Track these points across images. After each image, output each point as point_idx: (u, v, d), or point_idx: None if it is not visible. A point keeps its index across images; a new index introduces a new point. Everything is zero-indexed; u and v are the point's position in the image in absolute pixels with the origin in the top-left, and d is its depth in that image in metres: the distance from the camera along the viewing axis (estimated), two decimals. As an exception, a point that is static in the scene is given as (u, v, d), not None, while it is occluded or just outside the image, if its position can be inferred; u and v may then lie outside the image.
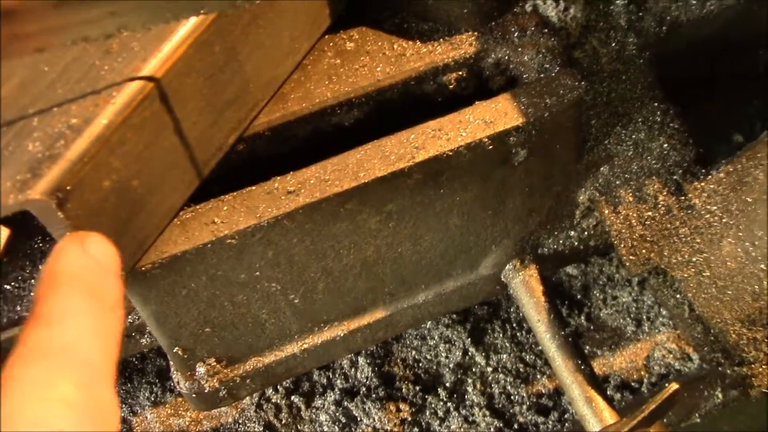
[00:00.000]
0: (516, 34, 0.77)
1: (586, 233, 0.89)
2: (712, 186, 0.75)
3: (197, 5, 0.54)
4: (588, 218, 0.88)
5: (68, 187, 0.55)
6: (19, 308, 0.72)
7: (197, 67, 0.62)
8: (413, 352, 1.10)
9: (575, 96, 0.73)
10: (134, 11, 0.53)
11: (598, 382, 0.82)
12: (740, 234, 0.71)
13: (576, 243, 0.90)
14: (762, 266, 0.70)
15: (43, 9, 0.50)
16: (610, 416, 0.79)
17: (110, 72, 0.58)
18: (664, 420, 0.96)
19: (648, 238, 0.76)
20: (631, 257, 0.76)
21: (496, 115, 0.72)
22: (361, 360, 1.08)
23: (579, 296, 1.14)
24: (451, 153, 0.71)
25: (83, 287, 0.47)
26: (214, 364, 0.82)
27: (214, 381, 0.82)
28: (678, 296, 0.74)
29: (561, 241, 0.89)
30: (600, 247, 0.93)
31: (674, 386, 0.67)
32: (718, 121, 1.07)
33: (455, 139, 0.71)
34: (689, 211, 0.75)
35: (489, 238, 0.84)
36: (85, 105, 0.57)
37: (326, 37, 0.78)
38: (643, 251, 0.76)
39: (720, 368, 0.75)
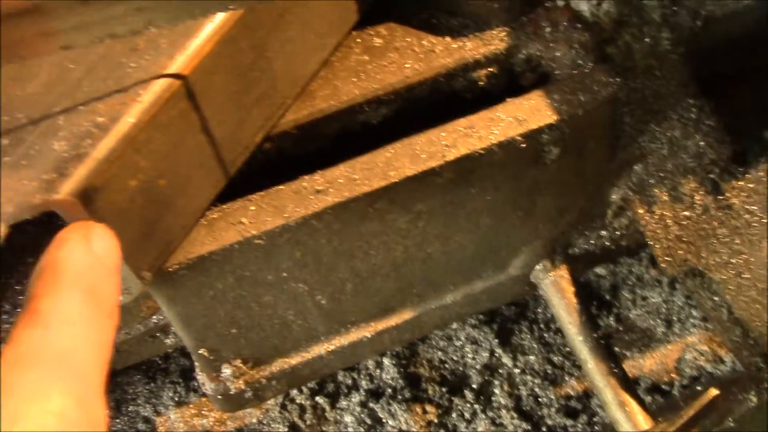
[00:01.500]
0: (548, 30, 0.75)
1: (618, 233, 0.87)
2: (751, 185, 0.72)
3: (225, 1, 0.53)
4: (620, 217, 0.86)
5: (95, 187, 0.54)
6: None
7: (225, 64, 0.61)
8: (439, 353, 1.08)
9: (610, 92, 0.71)
10: (161, 7, 0.51)
11: (631, 386, 0.80)
12: (782, 234, 0.69)
13: (608, 243, 0.88)
14: (804, 268, 0.68)
15: (70, 6, 0.49)
16: (644, 421, 0.77)
17: (137, 69, 0.57)
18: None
19: (684, 239, 0.74)
20: (666, 258, 0.74)
21: (529, 113, 0.70)
22: (386, 360, 1.07)
23: (608, 297, 1.12)
24: (482, 152, 0.69)
25: (85, 289, 0.44)
26: (240, 365, 0.81)
27: (240, 382, 0.81)
28: (716, 299, 0.72)
29: (592, 241, 0.87)
30: (632, 247, 0.91)
31: (714, 392, 0.66)
32: (750, 119, 1.04)
33: (487, 138, 0.69)
34: (727, 211, 0.73)
35: (519, 239, 0.83)
36: (112, 103, 0.56)
37: (354, 33, 0.77)
38: (680, 252, 0.74)
39: (759, 373, 0.73)
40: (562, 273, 0.86)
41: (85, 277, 0.45)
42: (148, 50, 0.58)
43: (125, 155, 0.55)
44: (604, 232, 0.87)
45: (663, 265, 0.75)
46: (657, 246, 0.76)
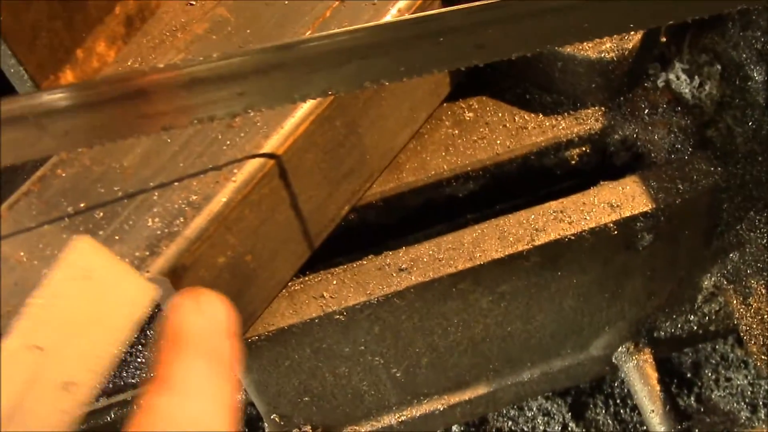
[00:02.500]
0: (646, 111, 0.73)
1: (707, 318, 0.84)
2: None
3: (326, 87, 0.53)
4: (710, 303, 0.82)
5: (184, 265, 0.54)
6: (124, 374, 0.72)
7: (318, 142, 0.61)
8: (510, 423, 1.05)
9: (710, 182, 0.68)
10: (262, 92, 0.51)
11: (716, 485, 0.76)
12: None
13: (695, 327, 0.84)
14: None
15: (173, 90, 0.50)
16: None
17: (232, 147, 0.57)
18: None
19: (783, 338, 0.70)
20: (762, 357, 0.71)
21: (623, 199, 0.68)
22: (455, 428, 1.04)
23: (689, 375, 1.08)
24: (573, 237, 0.67)
25: (205, 354, 0.45)
26: (310, 431, 0.80)
27: (309, 448, 0.80)
28: (815, 405, 0.68)
29: (679, 325, 0.84)
30: (720, 332, 0.87)
31: None
32: None
33: (578, 223, 0.67)
34: (832, 312, 0.69)
35: (603, 320, 0.80)
36: (206, 181, 0.56)
37: (445, 105, 0.76)
38: (777, 352, 0.70)
39: None
40: (646, 357, 0.83)
41: (203, 342, 0.46)
42: (243, 128, 0.58)
43: (216, 234, 0.55)
44: (692, 317, 0.83)
45: (758, 363, 0.71)
46: (752, 342, 0.72)
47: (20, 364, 0.37)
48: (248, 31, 0.63)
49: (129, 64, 0.67)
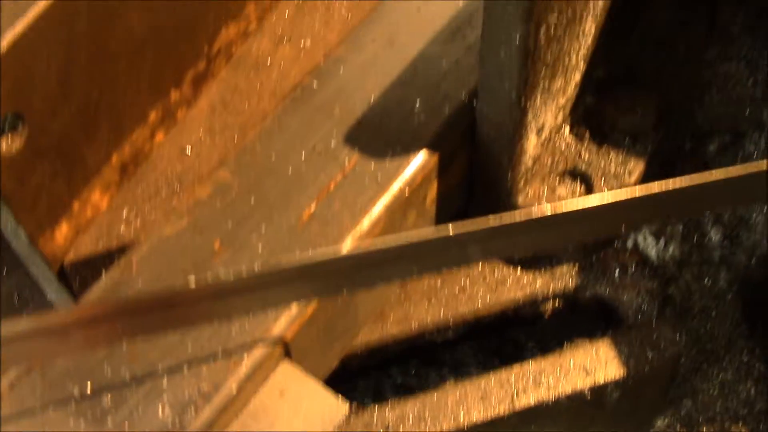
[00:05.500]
0: (617, 272, 0.78)
1: (654, 450, 0.89)
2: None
3: (343, 290, 0.54)
4: (659, 437, 0.87)
5: (194, 459, 0.54)
6: None
7: (321, 318, 0.62)
8: None
9: (676, 351, 0.73)
10: (286, 298, 0.53)
11: None
12: None
13: (643, 458, 0.89)
14: None
15: (200, 302, 0.50)
16: None
17: (240, 332, 0.58)
18: None
19: (733, 493, 0.75)
20: None
21: (597, 364, 0.72)
22: None
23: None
24: (551, 402, 0.70)
25: None
26: None
27: None
28: None
29: (629, 457, 0.89)
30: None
31: None
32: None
33: (556, 387, 0.71)
34: (778, 472, 0.75)
35: (561, 458, 0.84)
36: (215, 368, 0.56)
37: (427, 252, 0.78)
38: (729, 507, 0.75)
39: None
40: (599, 488, 0.87)
41: None
42: (252, 310, 0.59)
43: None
44: (641, 449, 0.88)
45: None
46: (705, 494, 0.77)
47: None
48: (252, 200, 0.64)
49: (124, 214, 0.67)
